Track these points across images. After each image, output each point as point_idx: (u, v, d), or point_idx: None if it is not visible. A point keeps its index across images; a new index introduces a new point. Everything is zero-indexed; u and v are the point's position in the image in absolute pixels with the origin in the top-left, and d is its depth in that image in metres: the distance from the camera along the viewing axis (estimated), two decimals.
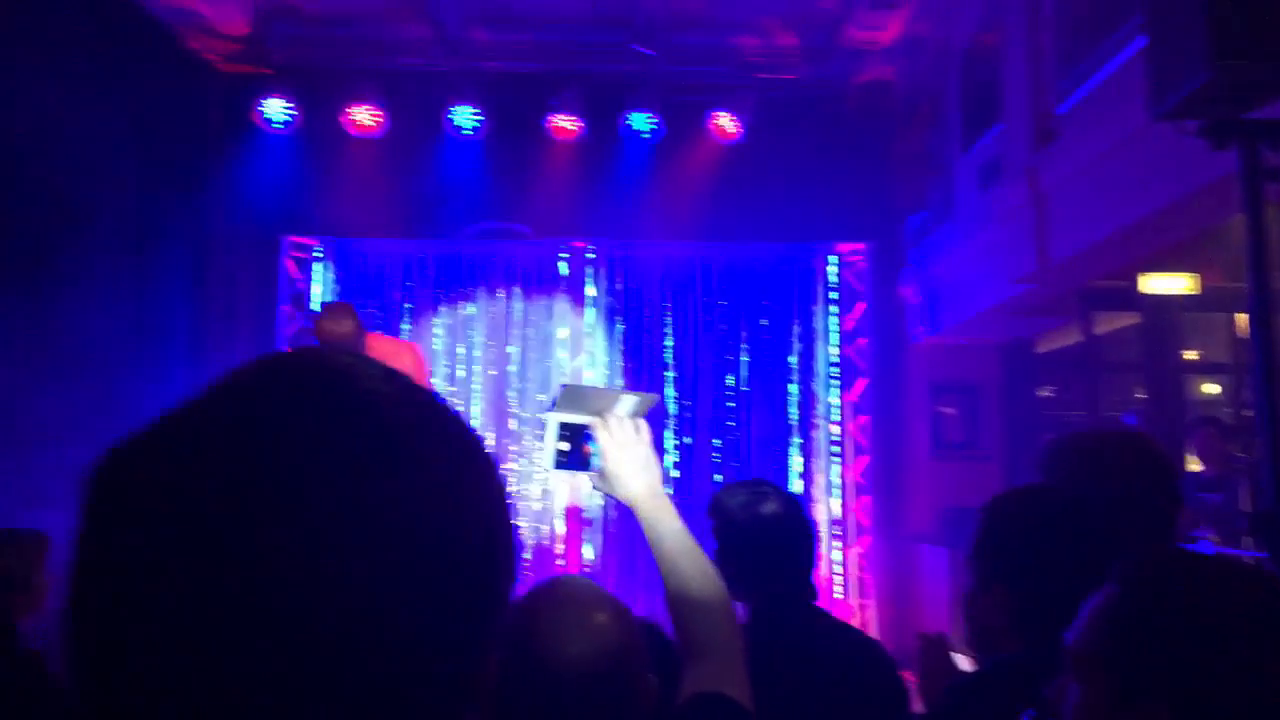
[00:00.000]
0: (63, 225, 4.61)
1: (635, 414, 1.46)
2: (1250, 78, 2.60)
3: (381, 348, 3.91)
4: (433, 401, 0.57)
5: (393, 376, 0.56)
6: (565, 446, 1.45)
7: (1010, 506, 1.63)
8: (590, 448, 1.45)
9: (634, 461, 1.40)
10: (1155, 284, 6.38)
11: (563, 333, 6.81)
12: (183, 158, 6.01)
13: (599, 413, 1.44)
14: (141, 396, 5.52)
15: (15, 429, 4.01)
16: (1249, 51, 2.59)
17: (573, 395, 1.45)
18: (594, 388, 1.77)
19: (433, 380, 3.89)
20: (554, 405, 1.47)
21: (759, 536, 2.25)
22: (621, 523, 6.62)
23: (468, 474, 0.55)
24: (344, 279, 6.84)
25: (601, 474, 1.42)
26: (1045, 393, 7.65)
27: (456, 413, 0.58)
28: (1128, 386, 7.63)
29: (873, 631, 6.54)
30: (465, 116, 6.24)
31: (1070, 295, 5.72)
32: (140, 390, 5.49)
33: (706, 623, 1.30)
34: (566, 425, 1.45)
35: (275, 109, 6.14)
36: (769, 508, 2.31)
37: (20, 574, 2.46)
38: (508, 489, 0.59)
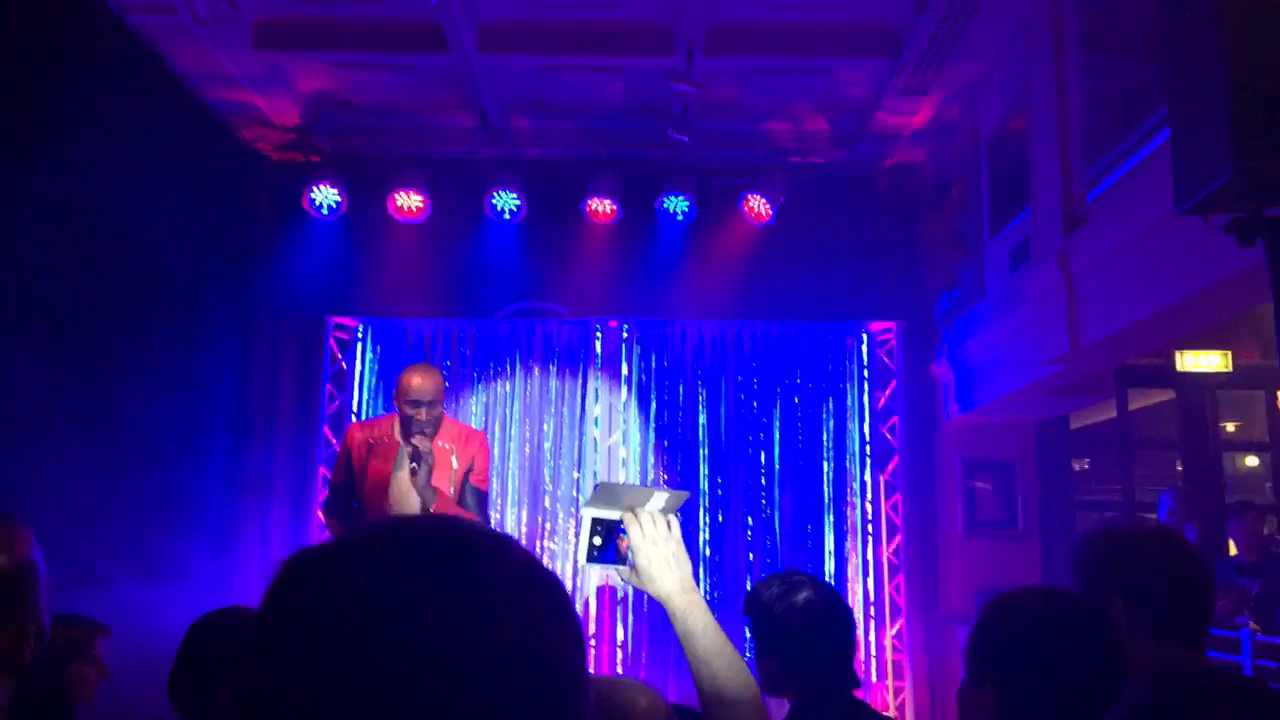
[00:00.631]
0: (122, 309, 4.79)
1: (666, 510, 1.51)
2: (1273, 175, 2.68)
3: (452, 431, 4.00)
4: (534, 568, 0.69)
5: (506, 549, 0.69)
6: (598, 541, 1.51)
7: (1007, 610, 1.64)
8: (624, 541, 1.51)
9: (665, 558, 1.46)
10: (1190, 361, 6.39)
11: (597, 410, 6.89)
12: (234, 242, 6.24)
13: (631, 508, 1.50)
14: (186, 473, 5.67)
15: (72, 509, 4.12)
16: (1271, 150, 2.67)
17: (606, 492, 1.52)
18: (627, 485, 1.83)
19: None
20: (587, 502, 1.53)
21: (795, 629, 2.27)
22: (654, 604, 6.60)
23: (556, 636, 0.65)
24: (384, 358, 6.98)
25: (634, 569, 1.48)
26: (1082, 466, 7.61)
27: (550, 579, 0.70)
28: (1165, 462, 7.58)
29: (908, 716, 6.45)
30: (505, 200, 6.44)
31: (1104, 373, 5.74)
32: (186, 467, 5.64)
33: (738, 718, 1.34)
34: (600, 520, 1.52)
35: (323, 195, 6.37)
36: (803, 597, 2.34)
37: (77, 658, 2.52)
38: (582, 632, 0.70)
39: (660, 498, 1.50)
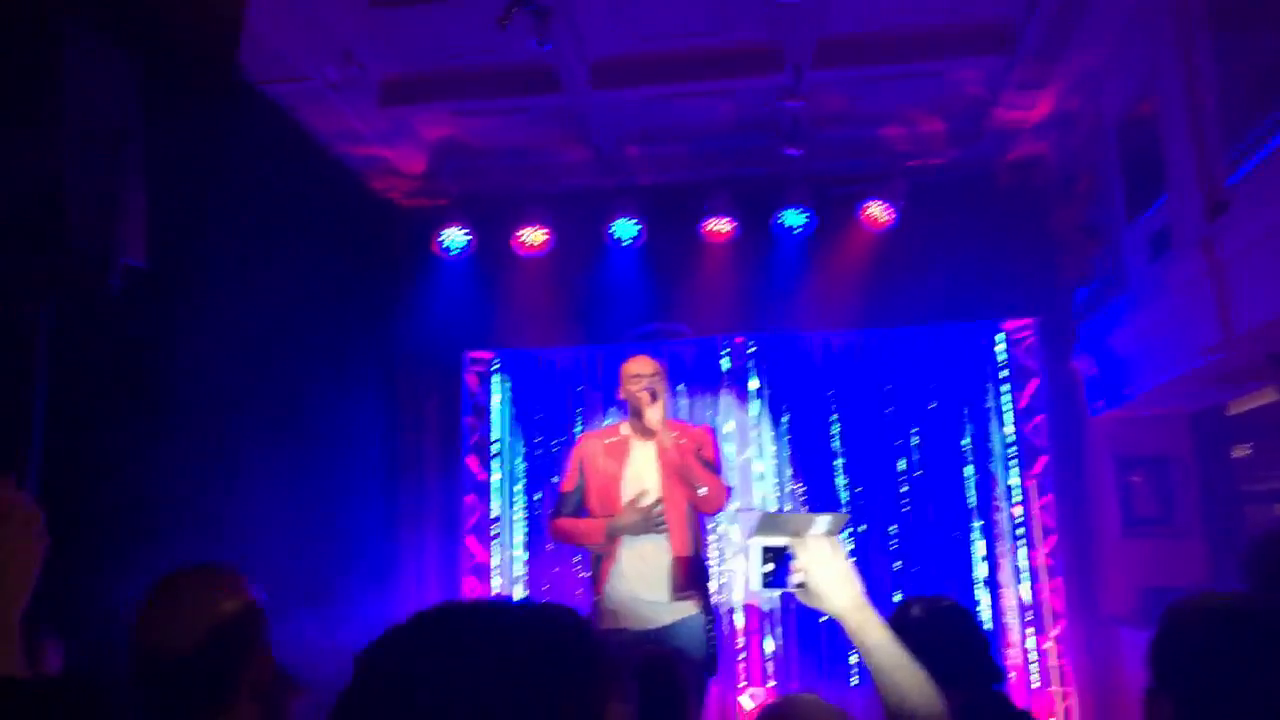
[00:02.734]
0: (285, 377, 5.14)
1: (830, 532, 1.58)
2: None
3: (676, 425, 4.13)
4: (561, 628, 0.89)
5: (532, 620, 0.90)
6: (769, 568, 1.58)
7: (1187, 617, 1.58)
8: (794, 565, 1.58)
9: (835, 577, 1.52)
10: None
11: (728, 427, 6.93)
12: (373, 290, 6.58)
13: (796, 534, 1.56)
14: (351, 515, 6.00)
15: (267, 559, 4.45)
16: None
17: (770, 522, 1.59)
18: (788, 513, 1.90)
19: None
20: (754, 532, 1.61)
21: (938, 632, 2.30)
22: (801, 616, 6.61)
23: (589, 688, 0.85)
24: (519, 388, 7.22)
25: (806, 590, 1.54)
26: (1243, 453, 7.20)
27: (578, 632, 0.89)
28: None
29: None
30: (624, 228, 6.58)
31: (1262, 359, 5.45)
32: (350, 509, 5.98)
33: None
34: (769, 548, 1.59)
35: (452, 237, 6.65)
36: (934, 606, 2.40)
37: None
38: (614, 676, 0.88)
39: (823, 521, 1.57)
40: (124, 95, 3.18)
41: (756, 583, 1.58)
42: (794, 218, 6.46)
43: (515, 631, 0.87)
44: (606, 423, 6.78)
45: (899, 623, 2.40)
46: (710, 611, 3.97)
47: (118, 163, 3.18)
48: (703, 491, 3.78)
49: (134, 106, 3.27)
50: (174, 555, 3.88)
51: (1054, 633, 6.45)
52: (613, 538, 3.89)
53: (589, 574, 4.13)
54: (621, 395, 4.03)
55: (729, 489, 4.09)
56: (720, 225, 6.53)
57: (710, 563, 6.22)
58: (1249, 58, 4.12)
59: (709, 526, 6.43)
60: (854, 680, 6.47)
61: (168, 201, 3.86)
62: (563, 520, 4.24)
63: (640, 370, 3.96)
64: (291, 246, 5.28)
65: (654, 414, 3.81)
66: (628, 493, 3.93)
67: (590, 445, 4.11)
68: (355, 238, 6.32)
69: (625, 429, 4.07)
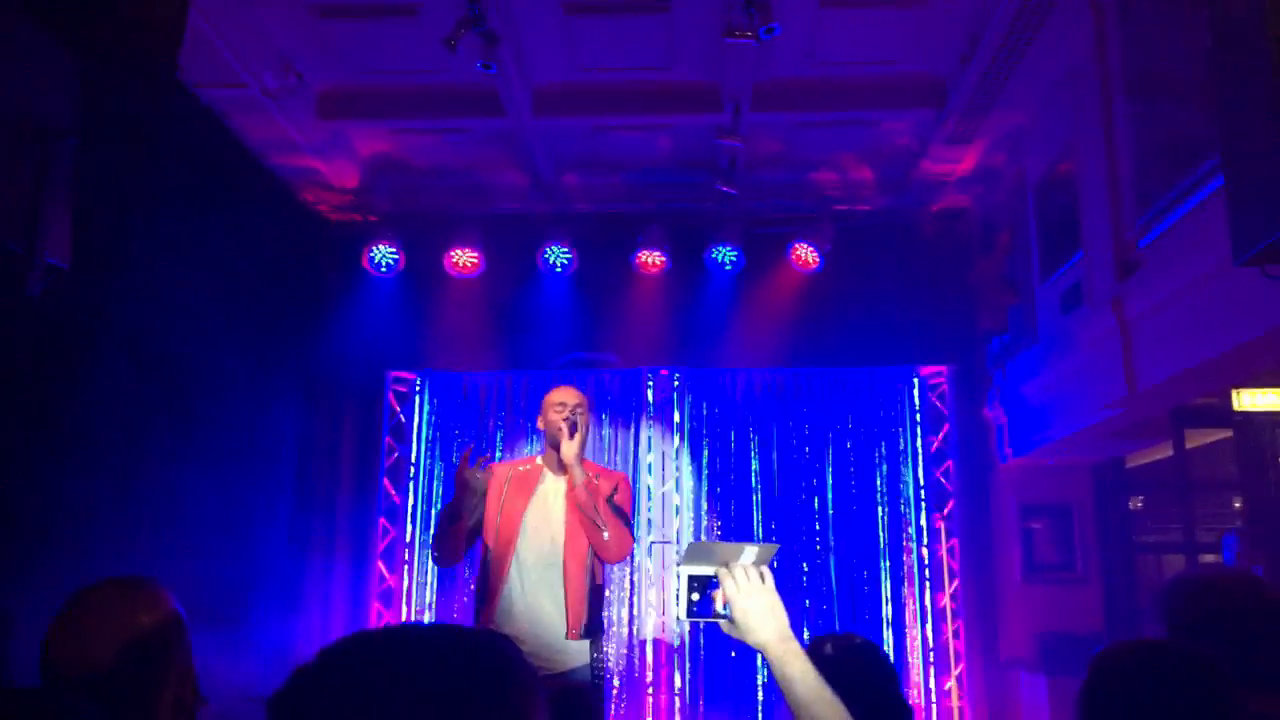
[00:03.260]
0: (197, 385, 4.98)
1: (759, 562, 1.58)
2: None
3: (594, 467, 4.00)
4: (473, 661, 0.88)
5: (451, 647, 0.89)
6: (696, 597, 1.58)
7: (1118, 665, 1.62)
8: (719, 595, 1.58)
9: (761, 608, 1.52)
10: (1248, 400, 6.33)
11: (650, 458, 6.96)
12: (297, 301, 6.44)
13: (725, 563, 1.57)
14: (254, 536, 5.82)
15: (165, 569, 4.27)
16: None
17: (699, 550, 1.59)
18: (718, 542, 1.90)
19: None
20: (682, 560, 1.61)
21: (846, 667, 2.35)
22: (711, 651, 6.64)
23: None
24: (442, 409, 7.13)
25: (731, 620, 1.55)
26: (1137, 504, 7.52)
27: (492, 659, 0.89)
28: (1225, 501, 7.47)
29: None
30: (557, 254, 6.59)
31: (1161, 415, 5.72)
32: (254, 530, 5.79)
33: None
34: (695, 577, 1.59)
35: (381, 254, 6.57)
36: (847, 644, 2.46)
37: None
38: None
39: (751, 551, 1.57)
40: (58, 91, 3.08)
41: (682, 611, 1.58)
42: (725, 254, 6.57)
43: (431, 661, 0.85)
44: (526, 453, 6.73)
45: (812, 659, 2.44)
46: (601, 663, 3.82)
47: (47, 158, 3.08)
48: (606, 536, 3.66)
49: (68, 103, 3.18)
50: (70, 567, 3.73)
51: (955, 674, 6.60)
52: (467, 485, 3.68)
53: (475, 609, 3.90)
54: (540, 424, 3.92)
55: (633, 540, 3.97)
56: (652, 257, 6.60)
57: (608, 606, 6.16)
58: (1165, 127, 4.36)
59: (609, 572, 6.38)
60: (759, 715, 6.51)
61: (95, 202, 3.75)
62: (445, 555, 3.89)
63: (564, 399, 3.84)
64: (217, 254, 5.14)
65: (570, 448, 3.68)
66: (530, 524, 3.81)
67: (500, 473, 3.99)
68: (282, 249, 6.19)
69: (540, 460, 3.96)
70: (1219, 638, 1.82)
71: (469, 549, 3.82)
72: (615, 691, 6.61)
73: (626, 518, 3.84)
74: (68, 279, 3.30)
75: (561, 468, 3.78)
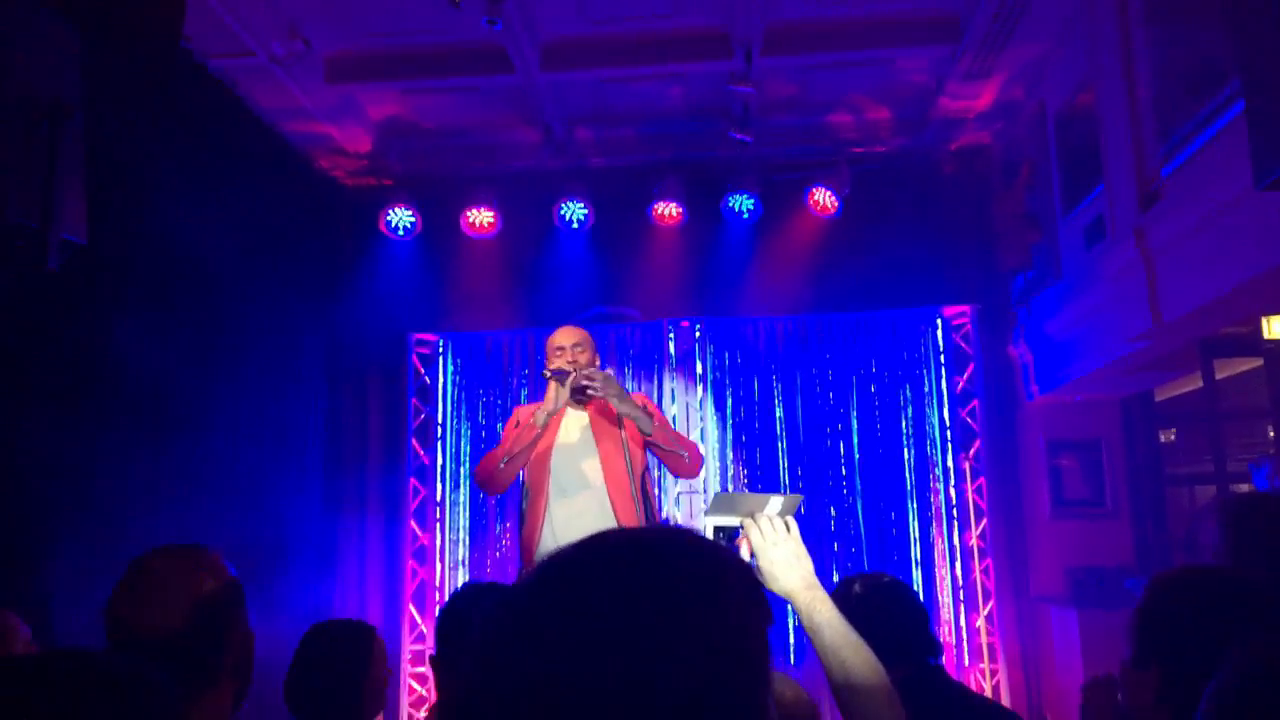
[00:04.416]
0: (220, 360, 5.04)
1: (784, 513, 1.60)
2: None
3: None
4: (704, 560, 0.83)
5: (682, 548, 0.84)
6: None
7: (1173, 591, 1.62)
8: (743, 544, 1.60)
9: (786, 557, 1.54)
10: (1278, 328, 6.24)
11: (674, 410, 6.98)
12: (316, 268, 6.47)
13: (750, 514, 1.59)
14: (288, 501, 5.91)
15: (197, 535, 4.36)
16: None
17: (724, 501, 1.61)
18: (743, 493, 1.92)
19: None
20: (708, 511, 1.63)
21: (869, 609, 2.37)
22: None
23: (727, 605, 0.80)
24: (466, 370, 7.18)
25: (757, 570, 1.56)
26: (1169, 438, 7.47)
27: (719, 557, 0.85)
28: (1257, 430, 7.40)
29: (1003, 697, 6.44)
30: (573, 210, 6.57)
31: (1189, 346, 5.65)
32: (287, 495, 5.88)
33: (871, 702, 1.40)
34: (721, 528, 1.61)
35: (398, 217, 6.57)
36: (875, 583, 2.48)
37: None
38: (758, 605, 0.84)
39: (776, 502, 1.59)
40: (65, 67, 3.09)
41: None
42: (742, 203, 6.51)
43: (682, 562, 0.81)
44: None
45: (841, 599, 2.46)
46: None
47: (57, 135, 3.10)
48: (686, 457, 3.78)
49: (75, 78, 3.19)
50: (103, 539, 3.82)
51: (984, 611, 6.64)
52: (547, 421, 3.76)
53: (518, 538, 3.98)
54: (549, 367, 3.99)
55: (699, 452, 4.02)
56: (669, 209, 6.56)
57: None
58: (1185, 53, 4.26)
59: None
60: (790, 660, 6.59)
61: (108, 177, 3.78)
62: (486, 455, 4.03)
63: (561, 342, 3.92)
64: (234, 225, 5.18)
65: (559, 393, 3.74)
66: (559, 460, 3.89)
67: (523, 412, 4.06)
68: (299, 217, 6.21)
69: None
70: (1267, 556, 1.80)
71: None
72: None
73: (676, 434, 3.92)
74: (86, 254, 3.33)
75: (579, 403, 3.86)
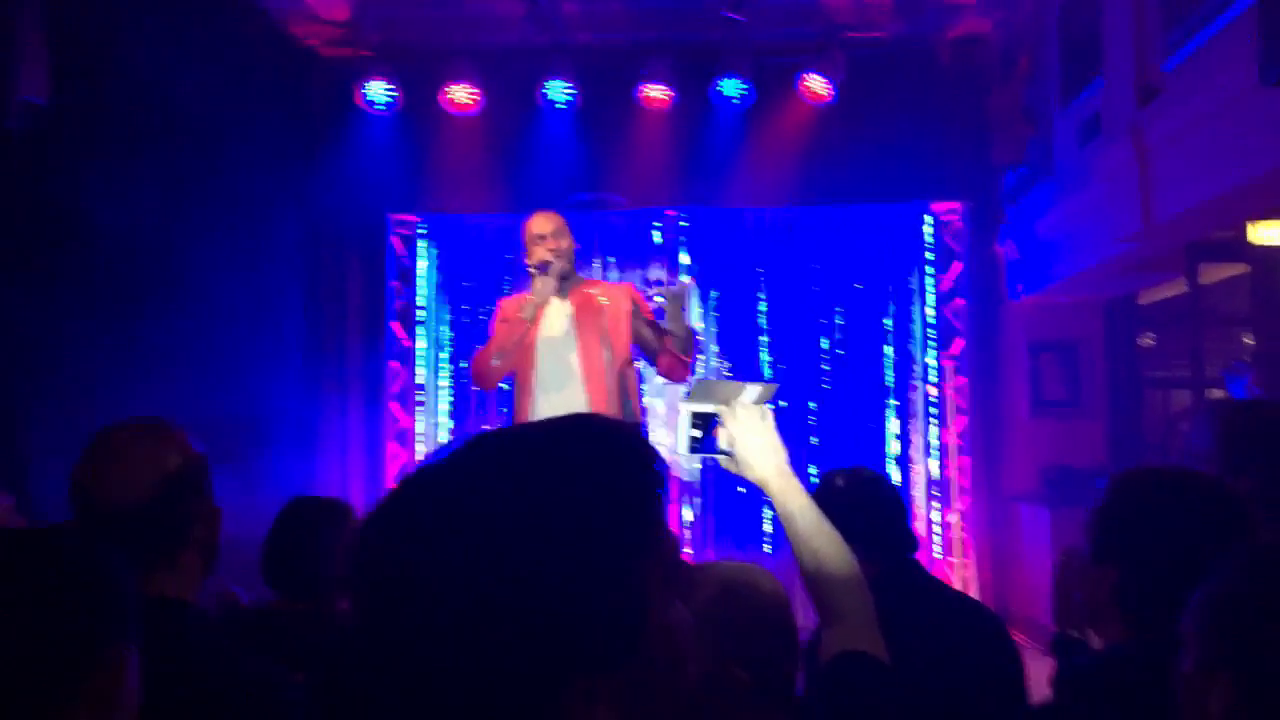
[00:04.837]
0: (194, 229, 4.91)
1: (760, 401, 1.59)
2: None
3: (597, 284, 4.06)
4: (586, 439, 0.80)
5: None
6: (698, 434, 1.59)
7: (1135, 490, 1.59)
8: (721, 431, 1.59)
9: (761, 445, 1.53)
10: (1264, 234, 6.18)
11: (659, 300, 6.91)
12: (290, 139, 6.28)
13: (726, 401, 1.57)
14: (267, 380, 5.87)
15: (173, 411, 4.33)
16: None
17: (702, 388, 1.60)
18: (721, 380, 1.90)
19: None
20: (685, 397, 1.61)
21: (847, 502, 2.38)
22: (719, 484, 6.78)
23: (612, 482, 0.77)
24: (446, 253, 7.07)
25: (732, 457, 1.55)
26: (1149, 341, 7.50)
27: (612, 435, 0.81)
28: (1237, 338, 7.43)
29: (973, 592, 6.60)
30: (558, 90, 6.36)
31: (1176, 249, 5.60)
32: (266, 375, 5.84)
33: (841, 590, 1.41)
34: (698, 414, 1.60)
35: (376, 90, 6.34)
36: (857, 477, 2.49)
37: None
38: (653, 484, 0.79)
39: (753, 390, 1.58)
40: None
41: (684, 447, 1.59)
42: (732, 88, 6.32)
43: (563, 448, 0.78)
44: None
45: (824, 492, 2.47)
46: None
47: None
48: (687, 362, 3.77)
49: None
50: (77, 413, 3.78)
51: (958, 508, 6.75)
52: (529, 314, 3.76)
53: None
54: (526, 259, 3.92)
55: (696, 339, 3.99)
56: (657, 92, 6.37)
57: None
58: None
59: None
60: (767, 548, 6.72)
61: (71, 37, 3.60)
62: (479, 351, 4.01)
63: (540, 230, 3.83)
64: (202, 92, 4.98)
65: (545, 284, 3.69)
66: (542, 353, 3.88)
67: (508, 306, 4.03)
68: (272, 86, 6.00)
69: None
70: (1259, 461, 1.78)
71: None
72: None
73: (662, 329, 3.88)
74: (48, 116, 3.19)
75: (561, 292, 3.81)
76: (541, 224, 3.85)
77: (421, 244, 7.04)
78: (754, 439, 1.53)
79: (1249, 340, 6.84)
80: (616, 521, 0.74)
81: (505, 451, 0.78)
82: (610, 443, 0.80)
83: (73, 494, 1.61)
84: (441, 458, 0.78)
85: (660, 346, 3.82)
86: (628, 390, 3.88)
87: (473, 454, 0.78)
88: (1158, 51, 4.37)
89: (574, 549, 0.71)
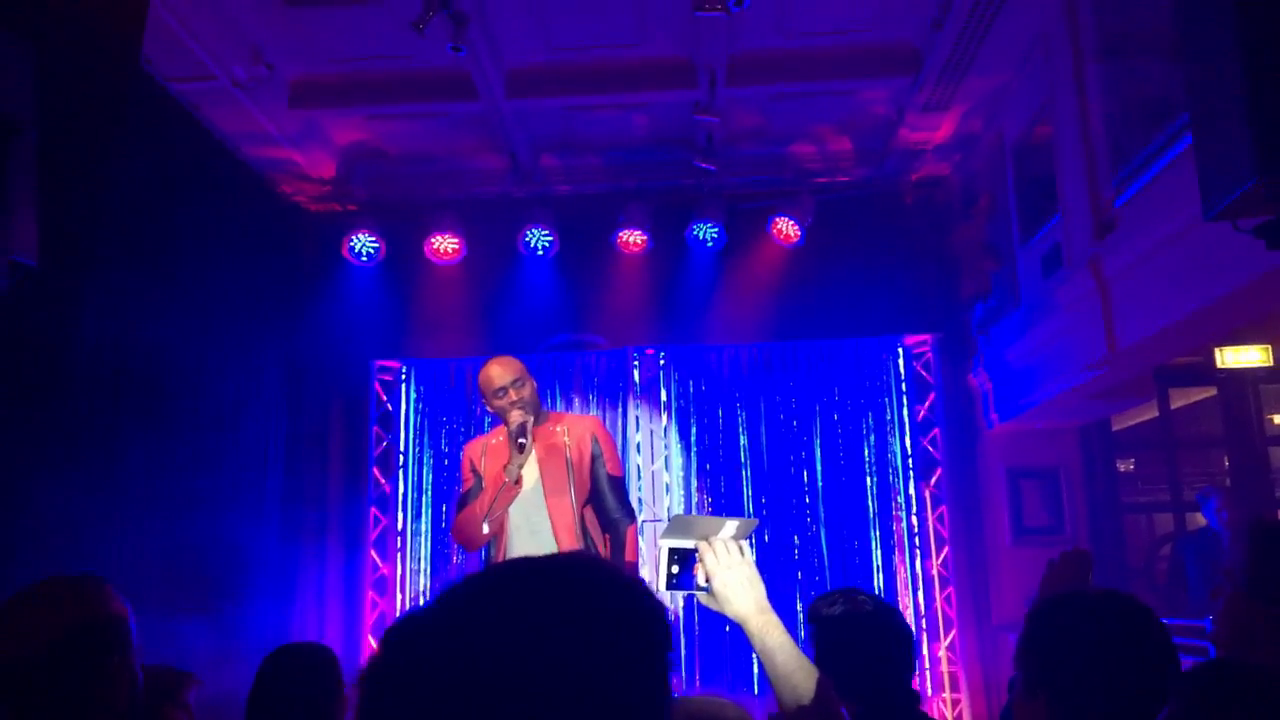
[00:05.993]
0: (182, 376, 4.96)
1: (738, 536, 1.60)
2: None
3: (561, 419, 4.04)
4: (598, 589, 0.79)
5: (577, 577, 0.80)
6: (676, 569, 1.60)
7: (1052, 617, 1.61)
8: (700, 568, 1.60)
9: (740, 581, 1.54)
10: (1230, 358, 6.35)
11: (638, 437, 6.97)
12: (278, 293, 6.41)
13: (705, 537, 1.59)
14: (246, 527, 5.81)
15: (144, 580, 4.27)
16: None
17: (681, 523, 1.62)
18: (700, 516, 1.92)
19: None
20: (663, 533, 1.63)
21: (857, 639, 2.32)
22: (705, 621, 6.67)
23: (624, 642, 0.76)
24: (428, 397, 7.13)
25: (711, 593, 1.56)
26: (1127, 468, 7.56)
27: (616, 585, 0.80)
28: (1212, 459, 7.51)
29: None
30: (538, 237, 6.57)
31: (1144, 374, 5.74)
32: (245, 522, 5.79)
33: None
34: (676, 550, 1.61)
35: (361, 243, 6.54)
36: (867, 610, 2.39)
37: (167, 702, 2.59)
38: (660, 638, 0.78)
39: (731, 525, 1.59)
40: (17, 82, 3.05)
41: (662, 583, 1.60)
42: (706, 231, 6.55)
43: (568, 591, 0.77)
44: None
45: (816, 621, 2.39)
46: None
47: (8, 153, 3.06)
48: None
49: (28, 96, 3.15)
50: (54, 568, 3.72)
51: (946, 640, 6.65)
52: (513, 477, 3.71)
53: None
54: (488, 407, 3.92)
55: (633, 522, 4.00)
56: (634, 237, 6.58)
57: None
58: (1137, 87, 4.36)
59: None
60: (756, 690, 6.55)
61: (62, 198, 3.71)
62: (460, 513, 3.98)
63: (500, 379, 3.75)
64: (193, 249, 5.12)
65: (518, 418, 3.68)
66: (516, 503, 3.88)
67: (475, 448, 4.04)
68: (261, 242, 6.16)
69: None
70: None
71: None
72: None
73: (617, 487, 3.87)
74: (37, 277, 3.27)
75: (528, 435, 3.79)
76: (500, 375, 3.79)
77: (404, 389, 7.10)
78: (731, 575, 1.54)
79: (1226, 462, 6.93)
80: (624, 687, 0.73)
81: (515, 597, 0.76)
82: (618, 598, 0.78)
83: None
84: (443, 606, 0.77)
85: (612, 520, 3.86)
86: (590, 532, 3.87)
87: (476, 604, 0.77)
88: (1110, 188, 4.60)
89: (583, 715, 0.71)
